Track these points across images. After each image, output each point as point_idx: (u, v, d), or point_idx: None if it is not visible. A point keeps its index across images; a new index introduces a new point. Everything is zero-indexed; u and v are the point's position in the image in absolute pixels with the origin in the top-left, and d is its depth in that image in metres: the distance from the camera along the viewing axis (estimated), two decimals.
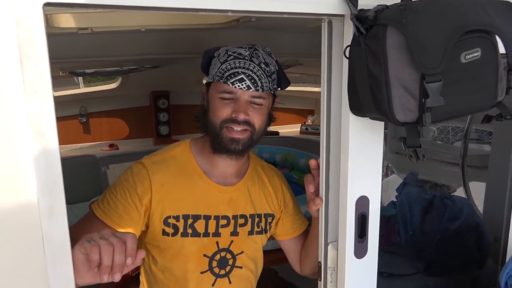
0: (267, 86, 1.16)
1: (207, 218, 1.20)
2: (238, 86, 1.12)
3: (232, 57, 1.15)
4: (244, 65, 1.13)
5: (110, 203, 1.13)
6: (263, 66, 1.15)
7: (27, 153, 0.69)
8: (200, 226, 1.19)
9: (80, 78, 3.40)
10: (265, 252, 1.39)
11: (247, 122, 1.14)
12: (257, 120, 1.16)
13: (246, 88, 1.13)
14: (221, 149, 1.17)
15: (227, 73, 1.13)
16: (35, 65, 0.68)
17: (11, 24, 0.65)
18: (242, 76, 1.13)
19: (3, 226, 0.70)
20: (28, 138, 0.69)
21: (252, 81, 1.13)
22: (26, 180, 0.70)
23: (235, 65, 1.13)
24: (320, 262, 1.14)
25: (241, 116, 1.13)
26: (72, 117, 3.31)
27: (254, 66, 1.14)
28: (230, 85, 1.13)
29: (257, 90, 1.14)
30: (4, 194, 0.69)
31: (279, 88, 1.27)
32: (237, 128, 1.14)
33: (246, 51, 1.16)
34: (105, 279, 0.79)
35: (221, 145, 1.16)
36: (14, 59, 0.66)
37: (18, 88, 0.67)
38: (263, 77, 1.15)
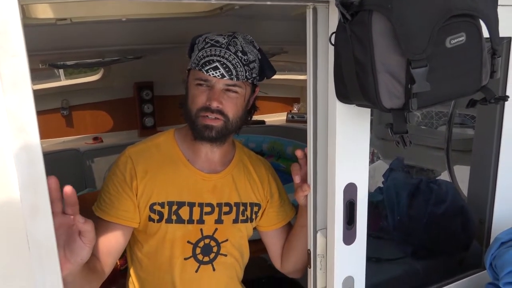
0: (242, 75, 1.15)
1: (191, 205, 1.21)
2: (212, 74, 1.13)
3: (209, 44, 1.15)
4: (220, 53, 1.13)
5: (105, 200, 1.16)
6: (239, 54, 1.15)
7: (7, 149, 0.67)
8: (184, 213, 1.20)
9: (61, 71, 3.33)
10: (255, 241, 1.39)
11: (220, 112, 1.14)
12: (231, 109, 1.16)
13: (220, 76, 1.13)
14: (197, 136, 1.19)
15: (202, 61, 1.14)
16: (11, 57, 0.65)
17: None
18: (217, 64, 1.13)
19: None
20: (7, 133, 0.67)
21: (227, 69, 1.13)
22: (7, 177, 0.68)
23: (210, 52, 1.14)
24: (309, 250, 1.14)
25: (214, 104, 1.13)
26: (54, 110, 3.24)
27: (230, 54, 1.14)
28: (205, 72, 1.13)
29: (232, 79, 1.14)
30: None
31: (264, 78, 1.26)
32: (211, 116, 1.14)
33: (224, 39, 1.15)
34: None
35: (197, 132, 1.18)
36: None
37: None
38: (239, 66, 1.14)
